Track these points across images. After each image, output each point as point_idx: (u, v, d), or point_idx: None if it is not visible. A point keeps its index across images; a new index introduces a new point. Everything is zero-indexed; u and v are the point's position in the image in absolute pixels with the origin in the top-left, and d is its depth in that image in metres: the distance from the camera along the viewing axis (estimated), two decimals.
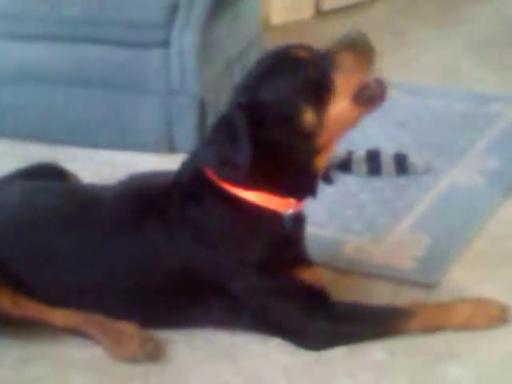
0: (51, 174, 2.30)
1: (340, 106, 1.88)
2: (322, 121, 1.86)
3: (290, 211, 1.95)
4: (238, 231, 1.94)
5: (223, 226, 1.94)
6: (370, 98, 1.92)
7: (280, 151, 1.88)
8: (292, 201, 1.95)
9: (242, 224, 1.94)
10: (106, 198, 2.07)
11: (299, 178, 1.94)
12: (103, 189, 2.13)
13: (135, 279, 1.98)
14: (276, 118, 1.87)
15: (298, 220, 2.00)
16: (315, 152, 1.91)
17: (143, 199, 2.01)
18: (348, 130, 1.95)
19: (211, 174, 1.92)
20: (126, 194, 2.06)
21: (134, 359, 1.92)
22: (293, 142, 1.88)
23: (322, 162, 1.95)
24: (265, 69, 1.92)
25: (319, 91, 1.86)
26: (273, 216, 1.94)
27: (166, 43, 2.95)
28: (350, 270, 2.25)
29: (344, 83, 1.88)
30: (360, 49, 1.90)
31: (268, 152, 1.86)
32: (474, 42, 4.20)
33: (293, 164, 1.91)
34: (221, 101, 3.16)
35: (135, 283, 1.98)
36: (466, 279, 2.20)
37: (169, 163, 2.82)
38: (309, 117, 1.86)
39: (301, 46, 1.94)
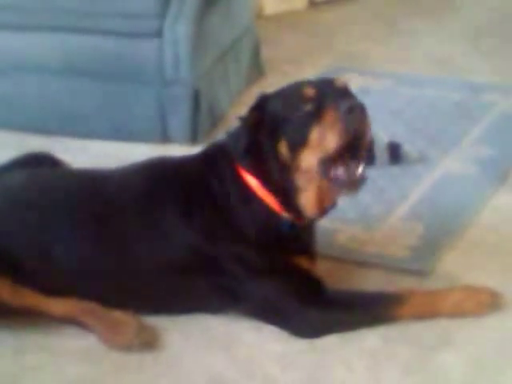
0: (44, 163, 2.31)
1: (308, 162, 1.91)
2: (294, 161, 1.92)
3: (286, 215, 1.99)
4: (243, 211, 1.99)
5: (233, 203, 2.00)
6: (336, 179, 1.91)
7: (268, 156, 1.96)
8: (284, 212, 1.99)
9: (246, 205, 1.99)
10: (114, 180, 2.11)
11: (284, 195, 1.98)
12: (109, 172, 2.16)
13: (143, 262, 2.01)
14: (269, 130, 1.95)
15: (301, 227, 2.02)
16: (296, 188, 1.95)
17: (163, 174, 2.08)
18: (325, 197, 1.98)
19: (231, 154, 2.01)
20: (145, 174, 2.10)
21: (129, 347, 1.93)
22: (275, 160, 1.95)
23: (306, 201, 1.97)
24: (285, 88, 2.01)
25: (296, 134, 1.91)
26: (272, 212, 1.99)
27: (159, 33, 2.95)
28: (343, 258, 2.26)
29: (315, 143, 1.89)
30: (350, 131, 1.84)
31: (263, 148, 1.96)
32: (468, 32, 4.21)
33: (277, 178, 1.97)
34: (214, 90, 3.18)
35: (142, 267, 2.01)
36: (459, 267, 2.21)
37: (162, 153, 2.83)
38: (283, 149, 1.93)
39: (319, 84, 1.95)
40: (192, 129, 3.03)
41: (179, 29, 2.93)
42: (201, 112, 3.04)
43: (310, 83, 1.97)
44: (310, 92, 1.92)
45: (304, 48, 4.05)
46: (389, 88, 3.47)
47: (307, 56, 3.93)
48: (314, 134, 1.88)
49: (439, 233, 2.38)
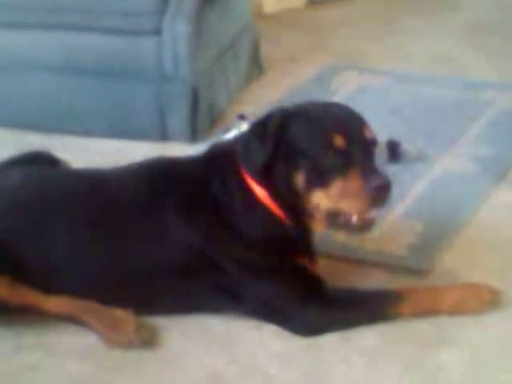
0: (43, 161, 2.31)
1: (321, 203, 1.92)
2: (307, 194, 1.93)
3: (290, 223, 2.00)
4: (246, 215, 1.99)
5: (235, 206, 1.99)
6: (346, 226, 1.94)
7: (281, 177, 1.96)
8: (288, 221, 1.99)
9: (250, 210, 1.99)
10: (114, 179, 2.11)
11: (293, 212, 1.99)
12: (109, 172, 2.16)
13: (143, 261, 2.00)
14: (286, 153, 1.94)
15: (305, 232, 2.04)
16: (305, 211, 1.96)
17: (165, 174, 2.08)
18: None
19: (238, 159, 2.00)
20: (146, 172, 2.10)
21: (129, 346, 1.93)
22: (286, 183, 1.95)
23: (314, 225, 2.00)
24: (323, 109, 2.00)
25: (316, 176, 1.91)
26: (276, 218, 1.99)
27: (158, 31, 2.95)
28: (343, 256, 2.26)
29: (335, 194, 1.89)
30: (371, 205, 1.87)
31: (277, 166, 1.95)
32: (465, 30, 4.21)
33: (287, 197, 1.97)
34: (213, 88, 3.18)
35: (142, 266, 2.01)
36: (457, 265, 2.21)
37: (161, 151, 2.84)
38: (299, 180, 1.93)
39: (349, 131, 1.92)
40: (191, 127, 3.03)
41: (178, 27, 2.93)
42: (200, 110, 3.04)
43: (340, 128, 1.92)
44: (339, 142, 1.90)
45: (303, 46, 4.05)
46: (387, 86, 3.47)
47: (306, 54, 3.93)
48: (336, 187, 1.89)
49: (438, 231, 2.38)
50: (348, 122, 1.96)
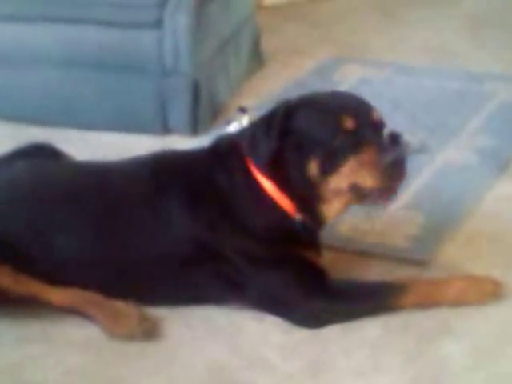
0: (46, 154, 2.31)
1: (339, 185, 1.92)
2: (323, 180, 1.92)
3: (299, 217, 1.99)
4: (252, 208, 1.99)
5: (241, 198, 1.99)
6: (366, 198, 1.93)
7: (292, 167, 1.95)
8: (297, 215, 1.99)
9: (256, 204, 1.99)
10: (119, 171, 2.11)
11: (304, 202, 1.98)
12: (113, 164, 2.16)
13: (147, 252, 2.00)
14: (297, 144, 1.93)
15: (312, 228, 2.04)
16: (321, 198, 1.96)
17: (171, 166, 2.07)
18: (349, 206, 2.00)
19: (244, 152, 2.00)
20: (151, 164, 2.10)
21: (130, 337, 1.93)
22: (300, 173, 1.94)
23: (328, 211, 1.99)
24: (328, 96, 2.01)
25: (330, 160, 1.90)
26: (282, 211, 1.99)
27: (158, 24, 2.94)
28: (344, 248, 2.26)
29: (350, 172, 1.89)
30: (390, 172, 1.87)
31: (286, 158, 1.95)
32: (467, 21, 4.20)
33: (300, 187, 1.96)
34: (214, 81, 3.17)
35: (145, 257, 2.01)
36: (459, 257, 2.21)
37: (163, 144, 2.84)
38: (313, 168, 1.92)
39: (356, 113, 1.92)
40: (192, 119, 3.02)
41: (179, 19, 2.93)
42: (201, 102, 3.03)
43: (347, 110, 1.92)
44: (349, 123, 1.90)
45: (304, 38, 4.04)
46: (389, 78, 3.47)
47: (307, 46, 3.92)
48: (350, 166, 1.89)
49: (440, 222, 2.38)
50: (355, 105, 1.97)
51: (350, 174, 1.89)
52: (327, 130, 1.91)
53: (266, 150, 1.93)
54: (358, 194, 1.92)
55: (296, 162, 1.94)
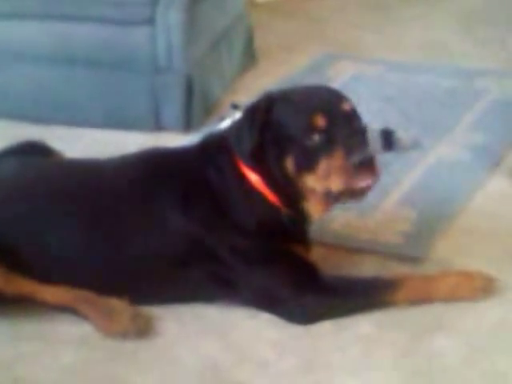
0: (38, 152, 2.31)
1: (313, 185, 1.93)
2: (299, 178, 1.93)
3: (287, 212, 2.00)
4: (241, 202, 2.00)
5: (231, 194, 2.00)
6: (339, 199, 1.95)
7: (273, 162, 1.96)
8: (284, 208, 2.00)
9: (245, 197, 2.00)
10: (110, 169, 2.11)
11: (288, 198, 1.99)
12: (105, 162, 2.16)
13: (139, 250, 2.01)
14: (274, 138, 1.95)
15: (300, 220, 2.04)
16: (300, 195, 1.97)
17: (162, 163, 2.08)
18: (330, 204, 2.00)
19: (231, 146, 2.01)
20: (142, 162, 2.10)
21: (124, 335, 1.93)
22: (278, 168, 1.95)
23: (311, 209, 2.00)
24: (303, 92, 2.02)
25: (303, 159, 1.91)
26: (271, 205, 1.99)
27: (151, 20, 2.94)
28: (337, 244, 2.27)
29: (322, 175, 1.90)
30: (358, 173, 1.87)
31: (267, 152, 1.95)
32: (460, 18, 4.21)
33: (282, 183, 1.97)
34: (207, 78, 3.17)
35: (138, 255, 2.01)
36: (452, 253, 2.22)
37: (156, 141, 2.83)
38: (289, 164, 1.94)
39: (327, 109, 1.92)
40: (185, 116, 3.02)
41: (171, 16, 2.92)
42: (194, 99, 3.03)
43: (319, 107, 1.93)
44: (320, 121, 1.90)
45: (297, 35, 4.04)
46: (381, 75, 3.47)
47: (300, 43, 3.92)
48: (322, 167, 1.90)
49: (432, 219, 2.38)
50: (325, 101, 1.97)
51: (323, 178, 1.91)
52: (300, 129, 1.92)
53: (248, 143, 1.94)
54: (332, 196, 1.93)
55: (275, 157, 1.95)
